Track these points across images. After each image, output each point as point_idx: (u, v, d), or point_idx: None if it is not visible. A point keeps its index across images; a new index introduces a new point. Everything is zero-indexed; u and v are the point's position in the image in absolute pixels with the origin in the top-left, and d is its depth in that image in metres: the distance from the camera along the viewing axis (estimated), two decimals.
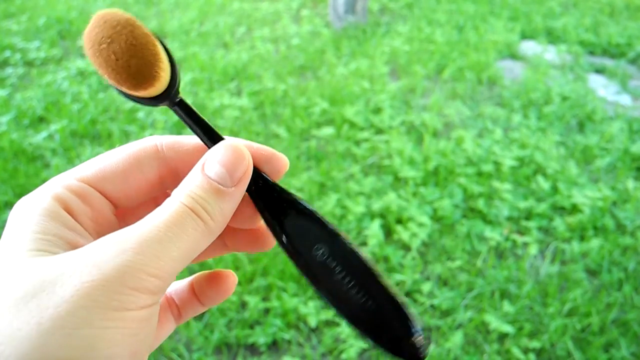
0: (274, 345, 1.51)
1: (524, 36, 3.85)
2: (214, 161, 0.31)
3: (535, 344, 1.52)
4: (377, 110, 2.67)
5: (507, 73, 3.23)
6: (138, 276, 0.26)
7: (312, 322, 1.55)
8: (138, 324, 0.27)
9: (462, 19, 4.07)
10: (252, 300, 1.59)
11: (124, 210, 0.35)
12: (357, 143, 2.41)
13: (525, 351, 1.51)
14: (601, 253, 1.84)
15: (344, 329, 1.53)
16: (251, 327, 1.55)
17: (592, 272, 1.80)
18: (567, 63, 3.41)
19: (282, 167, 0.36)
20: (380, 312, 0.33)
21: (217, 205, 0.30)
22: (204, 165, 0.31)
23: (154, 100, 0.33)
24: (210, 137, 0.34)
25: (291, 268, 1.69)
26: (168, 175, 0.34)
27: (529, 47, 3.65)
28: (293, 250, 0.34)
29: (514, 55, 3.51)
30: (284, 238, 0.34)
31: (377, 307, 0.33)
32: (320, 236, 0.34)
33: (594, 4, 4.68)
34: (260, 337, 1.50)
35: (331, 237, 0.34)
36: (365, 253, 0.34)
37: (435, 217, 1.97)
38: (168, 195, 0.33)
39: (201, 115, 0.34)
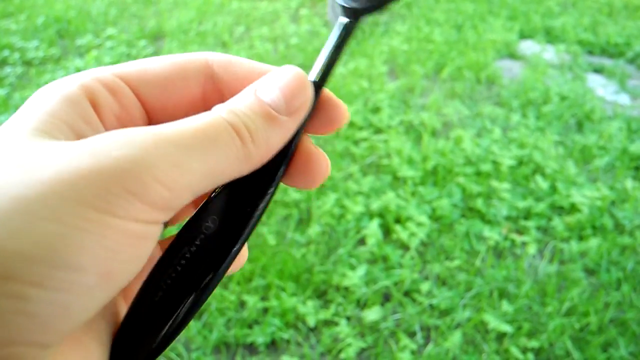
0: (273, 345, 1.51)
1: (523, 36, 3.85)
2: (270, 83, 0.27)
3: (534, 343, 1.52)
4: (376, 110, 2.67)
5: (506, 72, 3.24)
6: (142, 178, 0.21)
7: (311, 321, 1.55)
8: (123, 240, 0.21)
9: (460, 18, 4.07)
10: (251, 300, 1.59)
11: (156, 122, 0.29)
12: (356, 142, 2.41)
13: (524, 351, 1.51)
14: (600, 252, 1.84)
15: (343, 328, 1.53)
16: (250, 326, 1.55)
17: (590, 272, 1.80)
18: (566, 62, 3.41)
19: (340, 118, 0.31)
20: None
21: (264, 130, 0.26)
22: (258, 86, 0.27)
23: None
24: (323, 73, 0.30)
25: (290, 268, 1.70)
26: (213, 94, 0.31)
27: (527, 47, 3.65)
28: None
29: (512, 55, 3.52)
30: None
31: None
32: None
33: (593, 3, 4.68)
34: (258, 337, 1.50)
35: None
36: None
37: (434, 217, 1.97)
38: None
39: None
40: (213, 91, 0.30)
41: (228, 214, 0.28)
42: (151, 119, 0.30)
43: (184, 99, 0.30)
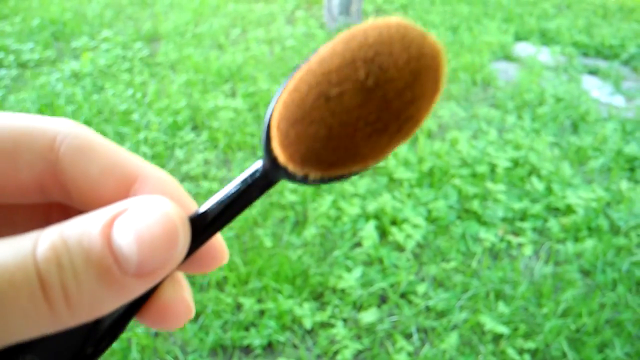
0: (269, 347, 1.51)
1: (518, 37, 3.86)
2: (129, 223, 0.19)
3: (530, 344, 1.52)
4: None
5: (501, 74, 3.24)
6: None
7: (307, 323, 1.55)
8: None
9: (456, 20, 4.08)
10: (247, 302, 1.59)
11: None
12: None
13: (521, 352, 1.51)
14: (595, 253, 1.84)
15: (339, 330, 1.53)
16: (246, 329, 1.55)
17: (586, 273, 1.81)
18: (561, 64, 3.43)
19: (218, 261, 0.25)
20: None
21: (90, 292, 0.18)
22: (113, 219, 0.19)
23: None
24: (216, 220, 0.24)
25: (286, 270, 1.69)
26: (54, 185, 0.23)
27: (522, 49, 3.66)
28: None
29: (508, 57, 3.53)
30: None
31: None
32: None
33: (588, 5, 4.70)
34: (255, 339, 1.50)
35: None
36: None
37: (430, 219, 1.97)
38: (59, 207, 0.23)
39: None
40: (53, 182, 0.23)
41: (50, 354, 0.22)
42: None
43: (10, 186, 0.22)
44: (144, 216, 0.19)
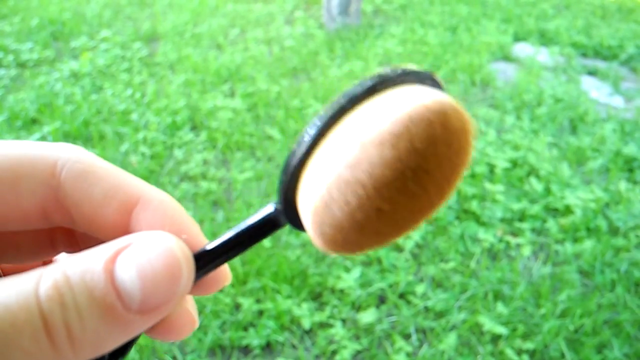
0: (268, 347, 1.51)
1: (517, 38, 3.86)
2: (131, 259, 0.19)
3: (528, 345, 1.52)
4: None
5: (500, 75, 3.25)
6: None
7: (306, 324, 1.55)
8: None
9: (455, 20, 4.08)
10: (246, 302, 1.59)
11: None
12: None
13: (519, 352, 1.51)
14: (594, 254, 1.84)
15: (338, 331, 1.53)
16: (245, 329, 1.55)
17: (585, 274, 1.81)
18: (560, 65, 3.43)
19: (221, 283, 0.26)
20: None
21: (94, 330, 0.18)
22: (117, 255, 0.19)
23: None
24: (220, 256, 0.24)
25: (285, 270, 1.69)
26: (57, 212, 0.23)
27: (521, 49, 3.67)
28: None
29: (506, 57, 3.53)
30: None
31: None
32: None
33: (586, 6, 4.71)
34: (254, 339, 1.50)
35: None
36: None
37: (429, 219, 1.97)
38: (63, 233, 0.24)
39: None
40: (55, 206, 0.23)
41: None
42: None
43: (12, 212, 0.22)
44: (147, 252, 0.19)
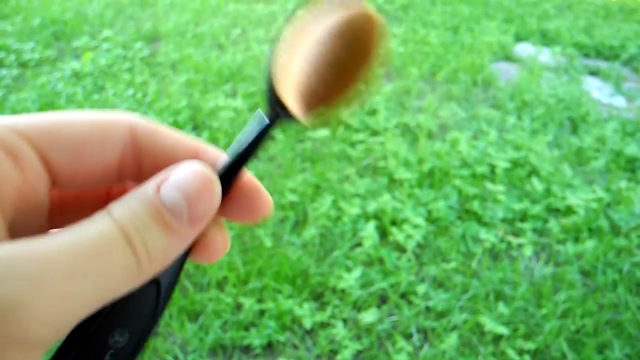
0: (269, 347, 1.51)
1: (519, 38, 3.86)
2: (173, 182, 0.23)
3: (530, 345, 1.52)
4: (372, 112, 2.68)
5: (502, 75, 3.24)
6: (20, 322, 0.18)
7: (307, 323, 1.55)
8: None
9: (456, 20, 4.08)
10: (247, 302, 1.59)
11: (62, 193, 0.27)
12: (353, 145, 2.41)
13: (521, 352, 1.51)
14: (595, 254, 1.84)
15: (339, 331, 1.53)
16: (246, 328, 1.55)
17: (586, 274, 1.81)
18: (562, 65, 3.42)
19: (261, 211, 0.29)
20: None
21: (161, 242, 0.22)
22: (160, 184, 0.23)
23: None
24: (235, 165, 0.28)
25: (286, 270, 1.69)
26: (130, 164, 0.27)
27: (523, 49, 3.66)
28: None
29: (508, 57, 3.53)
30: None
31: None
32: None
33: (588, 6, 4.70)
34: (255, 339, 1.50)
35: None
36: None
37: (430, 219, 1.97)
38: (125, 190, 0.27)
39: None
40: (131, 160, 0.27)
41: (135, 323, 0.26)
42: (55, 183, 0.25)
43: (98, 167, 0.26)
44: (184, 175, 0.24)
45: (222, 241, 0.28)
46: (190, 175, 0.24)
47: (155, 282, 0.26)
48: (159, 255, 0.22)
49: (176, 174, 0.24)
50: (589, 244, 1.88)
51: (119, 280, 0.21)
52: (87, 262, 0.20)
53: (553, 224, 1.98)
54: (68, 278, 0.19)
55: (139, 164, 0.27)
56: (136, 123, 0.27)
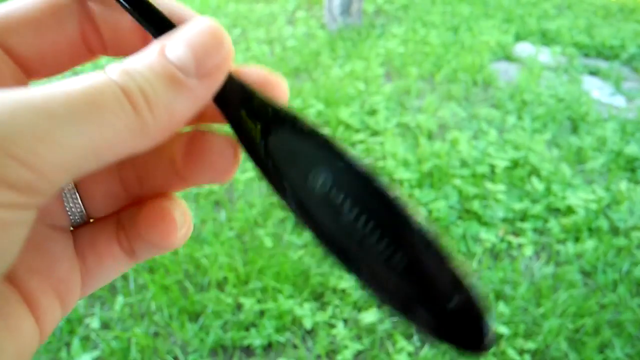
0: (270, 347, 1.51)
1: (519, 38, 3.86)
2: (179, 39, 0.22)
3: (530, 344, 1.52)
4: (372, 112, 2.68)
5: (502, 75, 3.24)
6: None
7: (308, 324, 1.55)
8: None
9: (456, 20, 4.08)
10: (248, 302, 1.59)
11: (35, 75, 0.26)
12: (353, 145, 2.41)
13: (521, 352, 1.51)
14: (595, 254, 1.84)
15: (340, 331, 1.53)
16: (246, 329, 1.55)
17: (586, 274, 1.81)
18: (562, 65, 3.43)
19: (278, 95, 0.26)
20: (420, 274, 0.22)
21: (165, 96, 0.21)
22: (165, 45, 0.22)
23: None
24: (160, 24, 0.24)
25: (287, 270, 1.69)
26: (93, 35, 0.25)
27: (523, 49, 3.66)
28: (276, 174, 0.24)
29: (508, 57, 3.53)
30: (262, 153, 0.24)
31: (414, 266, 0.22)
32: (321, 159, 0.23)
33: (588, 6, 4.70)
34: (255, 339, 1.50)
35: (338, 161, 0.23)
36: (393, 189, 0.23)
37: (431, 219, 1.98)
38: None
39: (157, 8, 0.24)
40: (92, 30, 0.25)
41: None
42: (28, 73, 0.25)
43: (62, 43, 0.25)
44: (190, 29, 0.22)
45: (231, 155, 0.26)
46: (197, 29, 0.22)
47: None
48: (164, 112, 0.21)
49: (182, 30, 0.22)
50: (589, 244, 1.88)
51: (116, 135, 0.19)
52: (71, 108, 0.18)
53: (553, 224, 1.98)
54: (47, 120, 0.18)
55: (99, 33, 0.25)
56: None
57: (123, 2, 0.23)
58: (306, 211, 0.23)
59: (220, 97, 0.24)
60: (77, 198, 0.26)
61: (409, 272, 0.22)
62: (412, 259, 0.22)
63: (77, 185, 0.26)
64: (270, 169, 0.24)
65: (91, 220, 0.27)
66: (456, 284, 0.22)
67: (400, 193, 0.23)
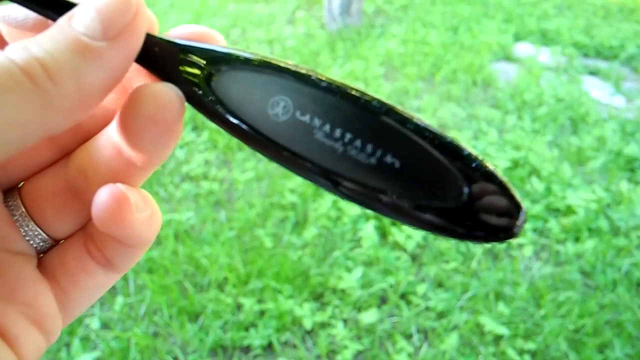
0: (269, 347, 1.51)
1: (518, 38, 3.86)
2: (85, 7, 0.20)
3: (530, 345, 1.52)
4: None
5: (502, 75, 3.24)
6: None
7: (307, 324, 1.55)
8: None
9: (456, 21, 4.08)
10: (247, 303, 1.59)
11: None
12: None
13: (521, 352, 1.51)
14: (595, 254, 1.84)
15: (339, 331, 1.53)
16: (246, 329, 1.55)
17: (586, 274, 1.81)
18: (561, 65, 3.43)
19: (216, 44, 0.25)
20: (421, 171, 0.21)
21: (69, 64, 0.19)
22: (72, 15, 0.20)
23: None
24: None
25: (287, 270, 1.69)
26: None
27: (523, 49, 3.66)
28: (229, 114, 0.23)
29: (508, 57, 3.53)
30: (210, 98, 0.23)
31: (410, 164, 0.21)
32: (275, 88, 0.22)
33: (588, 6, 4.70)
34: (255, 339, 1.50)
35: (294, 83, 0.22)
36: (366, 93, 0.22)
37: None
38: None
39: None
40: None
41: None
42: None
43: None
44: None
45: (172, 99, 0.23)
46: None
47: None
48: (70, 81, 0.19)
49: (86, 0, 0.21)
50: (589, 244, 1.88)
51: (25, 113, 0.18)
52: None
53: (553, 224, 1.98)
54: None
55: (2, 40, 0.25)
56: None
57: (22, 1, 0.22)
58: (275, 142, 0.22)
59: (149, 60, 0.23)
60: (30, 221, 0.25)
61: (406, 171, 0.21)
62: (406, 157, 0.21)
63: (28, 209, 0.25)
64: (221, 111, 0.23)
65: (60, 242, 0.26)
66: (466, 173, 0.21)
67: (370, 94, 0.22)
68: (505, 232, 0.21)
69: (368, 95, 0.22)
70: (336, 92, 0.22)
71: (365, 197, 0.21)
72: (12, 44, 0.20)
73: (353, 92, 0.22)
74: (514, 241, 1.89)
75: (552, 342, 1.54)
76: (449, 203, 0.21)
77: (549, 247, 1.90)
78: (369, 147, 0.21)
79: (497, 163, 2.26)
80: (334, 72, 3.10)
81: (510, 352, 1.50)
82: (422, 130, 0.21)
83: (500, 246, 1.87)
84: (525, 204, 2.01)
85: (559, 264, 1.83)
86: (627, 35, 3.94)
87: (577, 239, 1.94)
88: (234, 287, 1.66)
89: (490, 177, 0.21)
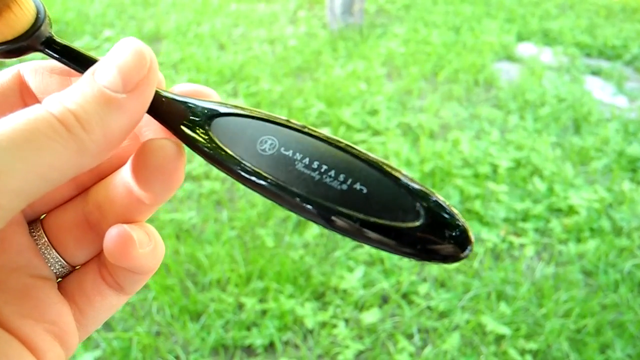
0: (271, 347, 1.51)
1: (520, 38, 3.86)
2: (107, 62, 0.24)
3: (532, 345, 1.52)
4: (374, 112, 2.68)
5: (504, 75, 3.24)
6: None
7: (309, 323, 1.55)
8: None
9: (458, 20, 4.08)
10: (249, 302, 1.59)
11: None
12: (354, 144, 2.41)
13: (522, 352, 1.51)
14: (597, 254, 1.84)
15: (341, 331, 1.53)
16: (248, 328, 1.55)
17: (588, 274, 1.81)
18: (564, 65, 3.42)
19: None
20: (382, 197, 0.25)
21: (97, 114, 0.23)
22: (94, 70, 0.24)
23: (15, 45, 0.27)
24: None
25: (288, 270, 1.69)
26: (34, 102, 0.28)
27: (525, 49, 3.66)
28: (225, 155, 0.27)
29: (510, 57, 3.52)
30: (208, 145, 0.27)
31: (374, 191, 0.25)
32: (263, 130, 0.27)
33: (590, 6, 4.70)
34: (257, 339, 1.50)
35: (279, 127, 0.27)
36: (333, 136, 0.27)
37: None
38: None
39: (82, 51, 0.28)
40: (33, 100, 0.28)
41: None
42: None
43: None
44: (115, 50, 0.24)
45: (174, 152, 0.27)
46: (122, 50, 0.24)
47: None
48: (99, 128, 0.23)
49: (110, 54, 0.24)
50: (591, 244, 1.88)
51: (58, 158, 0.21)
52: (14, 139, 0.20)
53: (555, 224, 1.98)
54: (1, 156, 0.20)
55: (37, 100, 0.28)
56: (22, 68, 0.28)
57: (53, 54, 0.27)
58: (261, 174, 0.26)
59: (158, 112, 0.27)
60: (52, 249, 0.28)
61: (372, 197, 0.25)
62: (371, 185, 0.25)
63: (50, 239, 0.29)
64: (218, 154, 0.27)
65: (77, 268, 0.29)
66: (417, 199, 0.25)
67: (338, 137, 0.27)
68: (452, 259, 0.25)
69: (339, 140, 0.27)
70: (314, 136, 0.27)
71: (322, 217, 0.25)
72: (47, 98, 0.23)
73: (328, 138, 0.27)
74: (516, 241, 1.89)
75: (553, 342, 1.54)
76: (403, 227, 0.24)
77: (551, 247, 1.90)
78: (342, 177, 0.25)
79: (499, 163, 2.26)
80: (336, 71, 3.10)
81: (512, 352, 1.50)
82: (381, 167, 0.26)
83: (502, 246, 1.87)
84: (527, 203, 2.01)
85: (561, 264, 1.83)
86: (630, 35, 3.93)
87: (579, 239, 1.93)
88: (236, 287, 1.66)
89: (440, 208, 0.25)
